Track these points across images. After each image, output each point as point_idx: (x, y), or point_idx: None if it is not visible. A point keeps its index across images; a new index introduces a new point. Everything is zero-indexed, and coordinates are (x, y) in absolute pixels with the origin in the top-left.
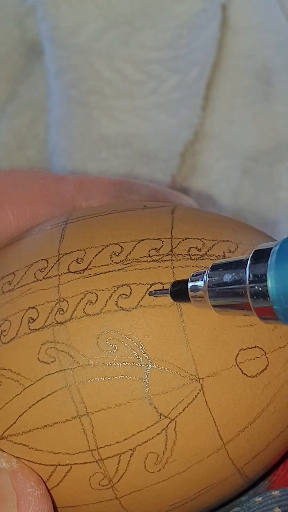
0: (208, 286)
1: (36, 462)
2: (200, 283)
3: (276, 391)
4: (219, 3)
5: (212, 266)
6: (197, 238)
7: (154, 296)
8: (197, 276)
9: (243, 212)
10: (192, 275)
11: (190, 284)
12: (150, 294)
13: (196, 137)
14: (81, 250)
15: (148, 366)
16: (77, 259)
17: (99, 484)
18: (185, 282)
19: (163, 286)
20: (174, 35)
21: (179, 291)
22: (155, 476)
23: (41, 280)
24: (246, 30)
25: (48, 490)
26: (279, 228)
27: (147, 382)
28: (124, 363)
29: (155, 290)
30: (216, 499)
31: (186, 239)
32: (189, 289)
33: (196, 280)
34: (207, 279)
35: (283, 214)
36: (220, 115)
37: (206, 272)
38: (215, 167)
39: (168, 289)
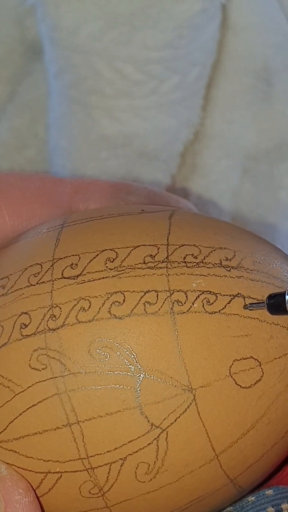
0: None
1: (27, 469)
2: None
3: (271, 403)
4: (219, 3)
5: None
6: (194, 245)
7: (250, 309)
8: None
9: (243, 212)
10: None
11: (287, 297)
12: (245, 307)
13: (196, 137)
14: (75, 255)
15: (140, 375)
16: (72, 264)
17: (90, 493)
18: (282, 294)
19: (244, 299)
20: (174, 35)
21: (276, 304)
22: (146, 486)
23: (34, 285)
24: (246, 30)
25: (38, 498)
26: (279, 228)
27: (139, 392)
28: (115, 372)
29: (250, 304)
30: (208, 509)
31: (183, 245)
32: (287, 302)
33: None
34: None
35: (283, 214)
36: (220, 115)
37: None
38: (215, 167)
39: (264, 302)
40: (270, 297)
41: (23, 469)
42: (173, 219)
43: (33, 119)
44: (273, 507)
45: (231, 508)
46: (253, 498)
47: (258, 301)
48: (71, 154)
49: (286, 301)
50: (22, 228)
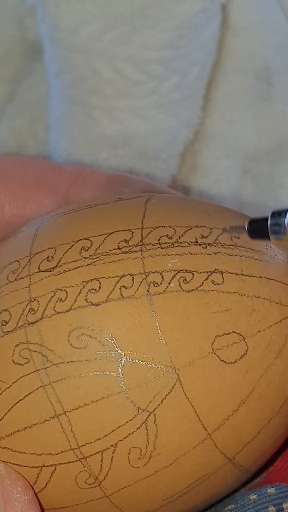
0: None
1: (22, 465)
2: (281, 220)
3: (260, 376)
4: (219, 3)
5: None
6: (169, 226)
7: (229, 232)
8: (279, 213)
9: (243, 212)
10: (273, 212)
11: (270, 221)
12: (225, 231)
13: (196, 137)
14: (51, 248)
15: (121, 360)
16: (48, 257)
17: (86, 483)
18: (265, 219)
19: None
20: (174, 35)
21: (258, 228)
22: (141, 471)
23: (13, 282)
24: (246, 30)
25: (36, 495)
26: None
27: (122, 376)
28: (97, 359)
29: (231, 227)
30: (212, 492)
31: (157, 228)
32: (269, 226)
33: (278, 218)
34: None
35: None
36: (220, 115)
37: None
38: (215, 167)
39: (243, 226)
40: (252, 221)
41: (18, 465)
42: (149, 203)
43: (33, 119)
44: (274, 506)
45: (233, 506)
46: (254, 496)
47: (239, 225)
48: (71, 154)
49: (269, 225)
50: (18, 213)
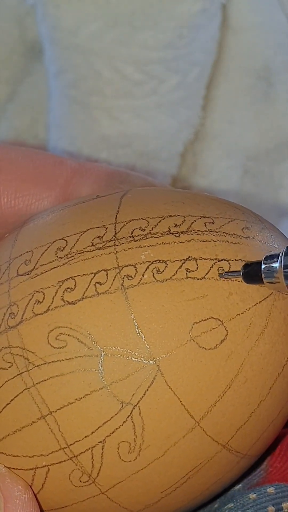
0: (284, 267)
1: (17, 468)
2: (275, 264)
3: (243, 360)
4: (219, 3)
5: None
6: (142, 218)
7: (224, 278)
8: (272, 257)
9: None
10: (266, 256)
11: (263, 266)
12: (220, 276)
13: (197, 137)
14: (29, 251)
15: (100, 355)
16: (25, 261)
17: (80, 481)
18: (258, 263)
19: (230, 267)
20: (174, 35)
21: (252, 272)
22: (133, 465)
23: None
24: (246, 30)
25: (36, 496)
26: (280, 228)
27: (102, 372)
28: (76, 357)
29: (225, 272)
30: (211, 480)
31: (131, 221)
32: (262, 271)
33: (271, 262)
34: (283, 259)
35: (283, 214)
36: (221, 115)
37: (282, 253)
38: (216, 167)
39: (239, 271)
40: (246, 265)
41: (14, 468)
42: (124, 198)
43: (33, 119)
44: (273, 506)
45: (232, 505)
46: (254, 495)
47: (233, 270)
48: (71, 154)
49: (262, 270)
50: (15, 205)
